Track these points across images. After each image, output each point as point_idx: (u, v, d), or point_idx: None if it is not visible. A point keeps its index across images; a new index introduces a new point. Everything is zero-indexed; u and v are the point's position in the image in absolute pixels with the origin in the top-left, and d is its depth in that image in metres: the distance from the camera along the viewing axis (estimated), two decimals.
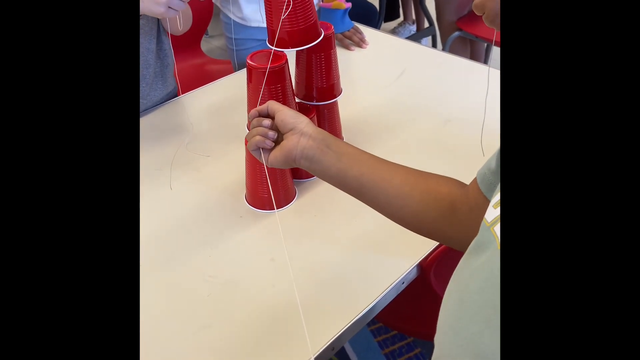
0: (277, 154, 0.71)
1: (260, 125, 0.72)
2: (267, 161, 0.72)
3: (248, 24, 1.51)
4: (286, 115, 0.71)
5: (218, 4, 1.58)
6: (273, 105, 0.72)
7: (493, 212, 0.49)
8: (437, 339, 0.53)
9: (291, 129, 0.70)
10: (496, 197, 0.50)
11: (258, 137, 0.71)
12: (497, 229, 0.47)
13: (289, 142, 0.70)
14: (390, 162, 0.71)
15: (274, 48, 0.88)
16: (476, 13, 0.71)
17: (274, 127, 0.72)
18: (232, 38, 1.55)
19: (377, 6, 2.53)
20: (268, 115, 0.73)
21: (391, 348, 1.36)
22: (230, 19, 1.53)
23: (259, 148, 0.72)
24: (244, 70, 1.44)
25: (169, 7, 1.03)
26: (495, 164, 0.62)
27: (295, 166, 0.72)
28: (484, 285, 0.47)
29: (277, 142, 0.72)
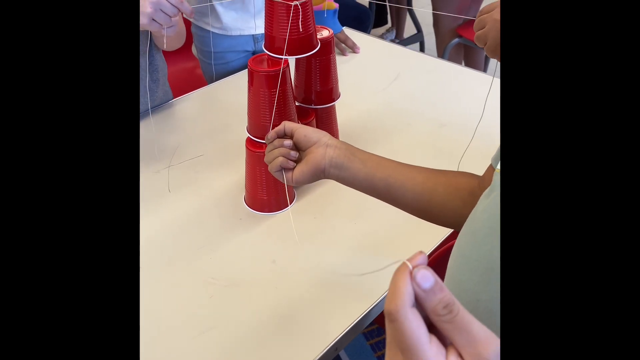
0: (303, 169, 0.73)
1: (282, 146, 0.74)
2: (291, 179, 0.74)
3: (228, 34, 1.42)
4: (308, 130, 0.74)
5: (189, 18, 1.43)
6: (290, 124, 0.75)
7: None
8: (449, 271, 0.59)
9: (315, 143, 0.73)
10: None
11: (281, 158, 0.73)
12: None
13: (316, 155, 0.73)
14: (408, 164, 0.75)
15: (284, 57, 0.88)
16: (478, 44, 0.74)
17: (292, 146, 0.75)
18: (205, 50, 1.45)
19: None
20: (285, 134, 0.75)
21: (384, 351, 1.37)
22: (204, 30, 1.43)
23: (281, 169, 0.74)
24: (239, 74, 1.44)
25: (153, 19, 0.93)
26: None
27: (323, 177, 0.74)
28: (493, 213, 0.55)
29: (296, 161, 0.75)
